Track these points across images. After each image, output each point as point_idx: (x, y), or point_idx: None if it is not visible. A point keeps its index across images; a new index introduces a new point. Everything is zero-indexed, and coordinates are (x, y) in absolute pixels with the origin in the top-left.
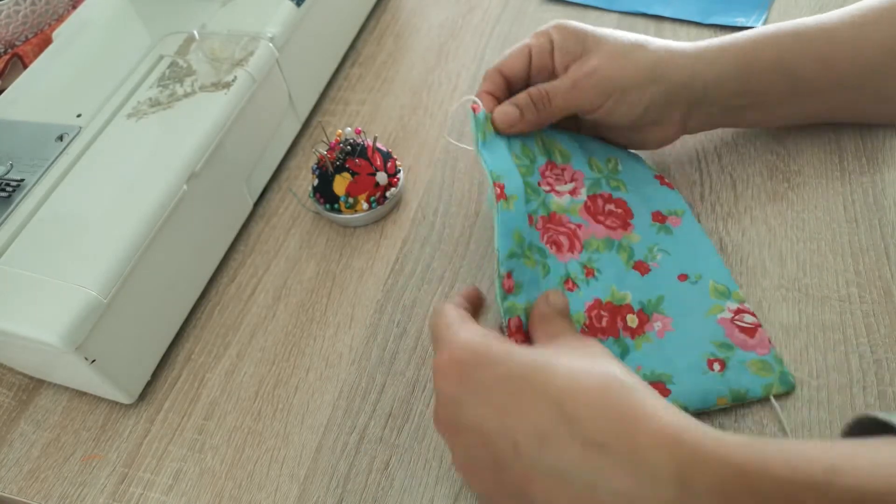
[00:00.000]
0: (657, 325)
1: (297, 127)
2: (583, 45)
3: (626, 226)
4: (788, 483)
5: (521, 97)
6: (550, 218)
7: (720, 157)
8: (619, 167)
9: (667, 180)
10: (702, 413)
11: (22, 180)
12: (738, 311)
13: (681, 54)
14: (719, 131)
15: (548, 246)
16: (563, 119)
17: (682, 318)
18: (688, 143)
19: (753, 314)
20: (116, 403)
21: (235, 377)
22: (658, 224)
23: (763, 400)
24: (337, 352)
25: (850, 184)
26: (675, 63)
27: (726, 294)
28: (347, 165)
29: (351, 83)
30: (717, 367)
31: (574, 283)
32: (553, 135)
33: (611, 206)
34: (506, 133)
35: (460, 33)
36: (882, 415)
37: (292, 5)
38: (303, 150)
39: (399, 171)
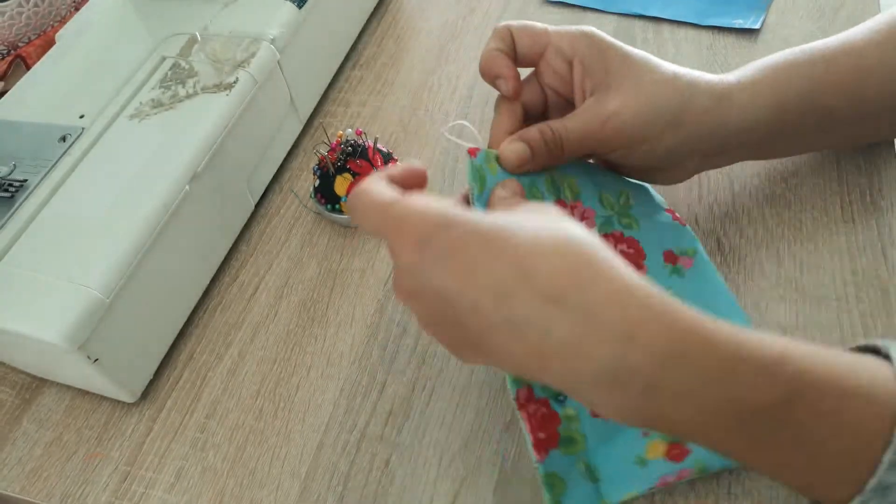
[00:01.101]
0: None
1: (299, 128)
2: (606, 72)
3: (638, 268)
4: (733, 357)
5: (534, 136)
6: None
7: None
8: (631, 201)
9: (678, 215)
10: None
11: (25, 181)
12: None
13: (709, 94)
14: None
15: None
16: None
17: None
18: None
19: None
20: (119, 402)
21: (237, 376)
22: (670, 266)
23: None
24: (338, 351)
25: (846, 184)
26: (699, 107)
27: None
28: (348, 166)
29: (352, 85)
30: None
31: None
32: (563, 168)
33: (622, 247)
34: (513, 172)
35: (461, 35)
36: (879, 341)
37: (294, 7)
38: (304, 150)
39: None
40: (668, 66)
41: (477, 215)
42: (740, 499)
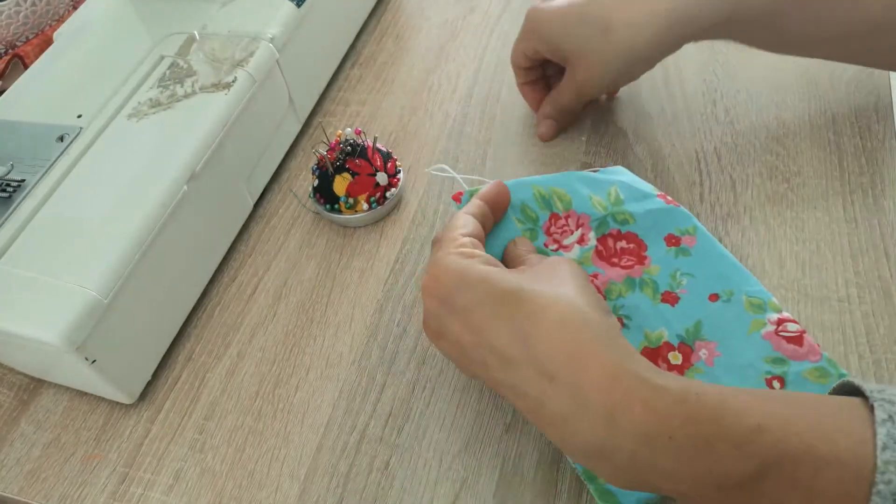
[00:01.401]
0: (703, 354)
1: (298, 127)
2: (558, 50)
3: (642, 260)
4: (712, 434)
5: (549, 110)
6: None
7: (720, 157)
8: (621, 195)
9: (669, 198)
10: None
11: (23, 181)
12: (780, 322)
13: (654, 21)
14: (719, 132)
15: None
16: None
17: (726, 341)
18: (688, 143)
19: (795, 321)
20: (117, 403)
21: (236, 377)
22: (674, 248)
23: None
24: (337, 351)
25: (849, 184)
26: (651, 43)
27: (762, 307)
28: (347, 166)
29: (351, 84)
30: (777, 384)
31: None
32: (548, 181)
33: (622, 244)
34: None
35: (461, 34)
36: (857, 381)
37: (292, 6)
38: (303, 150)
39: (399, 171)
40: (603, 17)
41: (493, 276)
42: None
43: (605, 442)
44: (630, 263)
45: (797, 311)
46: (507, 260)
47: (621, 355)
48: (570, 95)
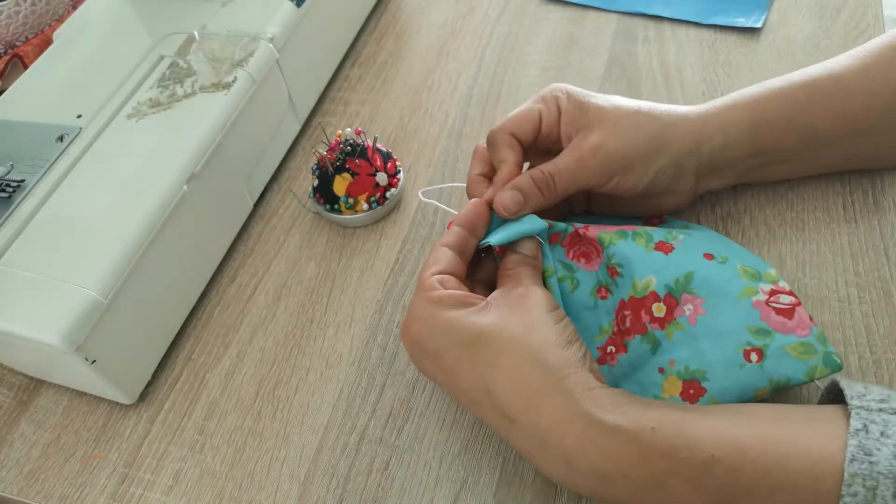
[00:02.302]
0: (688, 309)
1: (297, 127)
2: (587, 115)
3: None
4: (665, 471)
5: (524, 181)
6: (578, 235)
7: None
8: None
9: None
10: None
11: (22, 181)
12: (772, 293)
13: (684, 120)
14: None
15: (575, 260)
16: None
17: (714, 300)
18: None
19: (791, 293)
20: (117, 404)
21: (236, 377)
22: (680, 221)
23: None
24: (337, 352)
25: (849, 184)
26: (678, 131)
27: (757, 276)
28: (347, 166)
29: (351, 84)
30: (754, 357)
31: (607, 290)
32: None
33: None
34: (508, 217)
35: (460, 34)
36: (843, 384)
37: (292, 6)
38: (303, 150)
39: (399, 171)
40: (645, 103)
41: (459, 323)
42: None
43: (567, 478)
44: (631, 226)
45: None
46: (501, 265)
47: (574, 398)
48: (569, 163)
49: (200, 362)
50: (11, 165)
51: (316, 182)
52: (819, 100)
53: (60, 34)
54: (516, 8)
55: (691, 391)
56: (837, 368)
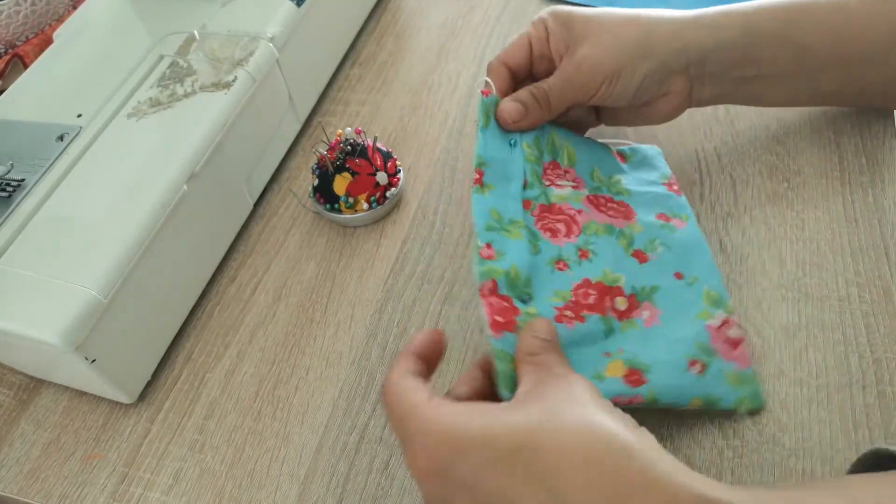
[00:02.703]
0: (645, 314)
1: (297, 127)
2: (573, 31)
3: (629, 216)
4: None
5: (525, 94)
6: (550, 208)
7: (720, 157)
8: (623, 182)
9: (675, 187)
10: (677, 410)
11: (22, 180)
12: (725, 322)
13: (672, 21)
14: (719, 131)
15: (542, 231)
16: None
17: (671, 315)
18: (688, 143)
19: (740, 326)
20: (117, 403)
21: (235, 377)
22: (661, 221)
23: (732, 413)
24: (337, 351)
25: (849, 183)
26: (665, 32)
27: (718, 303)
28: (347, 165)
29: (351, 83)
30: (696, 368)
31: (565, 264)
32: (566, 136)
33: (613, 205)
34: (510, 128)
35: (460, 33)
36: (892, 448)
37: (292, 5)
38: (303, 150)
39: (399, 171)
40: (632, 10)
41: (498, 423)
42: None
43: None
44: (616, 216)
45: (797, 310)
46: (520, 349)
47: (671, 473)
48: (559, 79)
49: (200, 362)
50: (11, 165)
51: (316, 182)
52: (816, 19)
53: (60, 34)
54: (516, 8)
55: (634, 378)
56: (761, 408)
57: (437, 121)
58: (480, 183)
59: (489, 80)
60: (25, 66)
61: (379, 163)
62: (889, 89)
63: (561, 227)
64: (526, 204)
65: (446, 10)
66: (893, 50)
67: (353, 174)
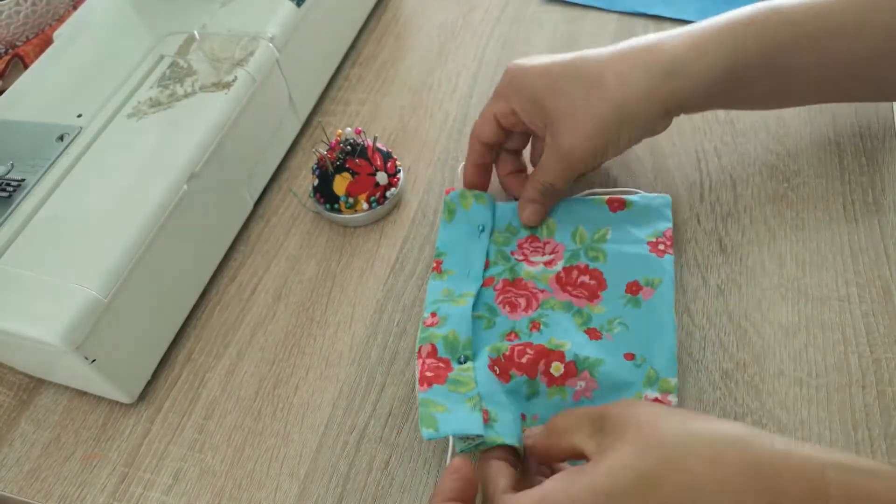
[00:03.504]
0: (580, 385)
1: (298, 127)
2: (545, 110)
3: (593, 298)
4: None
5: (533, 192)
6: (515, 283)
7: (720, 157)
8: (608, 236)
9: (661, 246)
10: None
11: (23, 180)
12: (653, 402)
13: (643, 80)
14: (719, 131)
15: (501, 306)
16: None
17: (605, 392)
18: (688, 143)
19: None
20: (117, 403)
21: (236, 377)
22: (629, 296)
23: None
24: (337, 351)
25: (849, 184)
26: (638, 98)
27: (653, 381)
28: (347, 165)
29: (351, 83)
30: None
31: (516, 335)
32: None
33: (584, 278)
34: (534, 226)
35: (460, 33)
36: None
37: (292, 5)
38: (303, 150)
39: (399, 171)
40: (593, 72)
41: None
42: None
43: None
44: (580, 296)
45: (797, 310)
46: (551, 433)
47: (791, 446)
48: (556, 170)
49: (200, 362)
50: (12, 165)
51: (316, 181)
52: (803, 43)
53: (61, 34)
54: (516, 8)
55: None
56: None
57: (437, 121)
58: (439, 270)
59: (461, 169)
60: (25, 66)
61: (379, 163)
62: (880, 94)
63: (521, 301)
64: (488, 281)
65: (446, 10)
66: (881, 59)
67: (353, 174)
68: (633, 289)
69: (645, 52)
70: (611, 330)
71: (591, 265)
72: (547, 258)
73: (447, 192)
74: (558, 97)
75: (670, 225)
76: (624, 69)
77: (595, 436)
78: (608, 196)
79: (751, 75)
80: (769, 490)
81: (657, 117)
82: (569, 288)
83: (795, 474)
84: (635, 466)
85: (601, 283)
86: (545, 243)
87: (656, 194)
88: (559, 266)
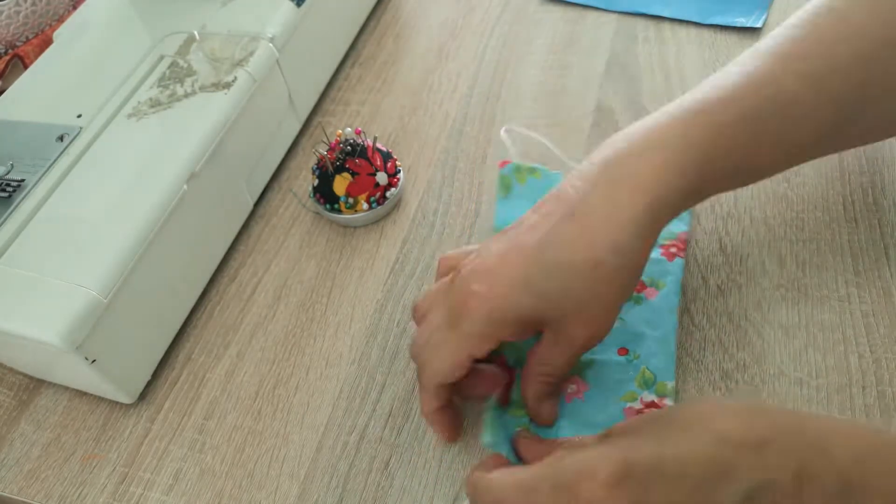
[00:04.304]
0: (570, 388)
1: (298, 127)
2: (537, 323)
3: None
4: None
5: (543, 389)
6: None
7: None
8: None
9: (674, 249)
10: None
11: (22, 180)
12: (649, 404)
13: (626, 229)
14: None
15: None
16: None
17: (596, 393)
18: None
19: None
20: (117, 403)
21: (235, 377)
22: (634, 295)
23: None
24: (337, 351)
25: (849, 184)
26: (627, 259)
27: (650, 383)
28: (347, 166)
29: (351, 83)
30: None
31: None
32: None
33: None
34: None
35: (460, 33)
36: None
37: (292, 5)
38: (303, 150)
39: (399, 171)
40: (579, 257)
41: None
42: None
43: None
44: None
45: (797, 310)
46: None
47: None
48: (567, 358)
49: (200, 362)
50: (11, 165)
51: (316, 182)
52: (763, 139)
53: (60, 34)
54: (516, 8)
55: None
56: None
57: (437, 121)
58: None
59: (506, 135)
60: (25, 67)
61: (379, 163)
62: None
63: None
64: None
65: (446, 10)
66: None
67: (353, 174)
68: (637, 287)
69: (608, 234)
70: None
71: None
72: None
73: (501, 166)
74: (560, 305)
75: (687, 228)
76: (597, 233)
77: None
78: None
79: (718, 182)
80: None
81: (650, 239)
82: None
83: None
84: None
85: None
86: None
87: None
88: None
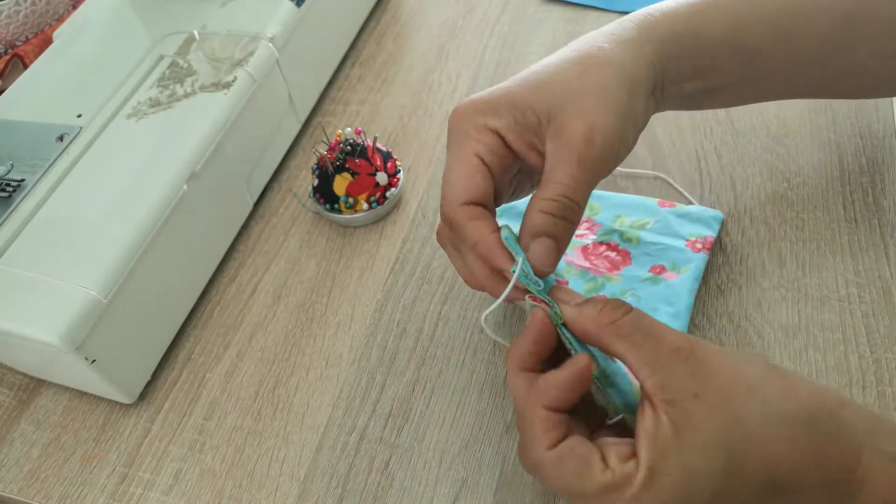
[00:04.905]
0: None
1: (297, 127)
2: (534, 116)
3: (612, 270)
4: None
5: (541, 220)
6: None
7: (720, 157)
8: (649, 226)
9: (698, 245)
10: None
11: (22, 180)
12: None
13: (628, 45)
14: (719, 131)
15: None
16: None
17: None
18: (688, 143)
19: None
20: (117, 403)
21: (235, 377)
22: (651, 275)
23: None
24: (337, 351)
25: (849, 184)
26: (632, 59)
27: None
28: (347, 165)
29: (351, 83)
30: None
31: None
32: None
33: (611, 254)
34: (550, 270)
35: (460, 33)
36: None
37: (292, 5)
38: (303, 150)
39: (399, 171)
40: (573, 56)
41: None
42: None
43: None
44: (599, 266)
45: (797, 310)
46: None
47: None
48: (572, 173)
49: (200, 362)
50: (11, 165)
51: (316, 182)
52: (765, 22)
53: (60, 34)
54: (516, 8)
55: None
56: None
57: (437, 121)
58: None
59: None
60: (25, 66)
61: (379, 163)
62: (842, 86)
63: None
64: None
65: (446, 10)
66: (836, 50)
67: (353, 174)
68: (657, 270)
69: (612, 29)
70: (621, 298)
71: (622, 245)
72: (581, 232)
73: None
74: (551, 90)
75: (714, 235)
76: (602, 40)
77: (657, 373)
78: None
79: (717, 52)
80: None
81: (651, 83)
82: (591, 258)
83: None
84: (721, 445)
85: (626, 260)
86: (584, 221)
87: (711, 209)
88: (589, 240)
